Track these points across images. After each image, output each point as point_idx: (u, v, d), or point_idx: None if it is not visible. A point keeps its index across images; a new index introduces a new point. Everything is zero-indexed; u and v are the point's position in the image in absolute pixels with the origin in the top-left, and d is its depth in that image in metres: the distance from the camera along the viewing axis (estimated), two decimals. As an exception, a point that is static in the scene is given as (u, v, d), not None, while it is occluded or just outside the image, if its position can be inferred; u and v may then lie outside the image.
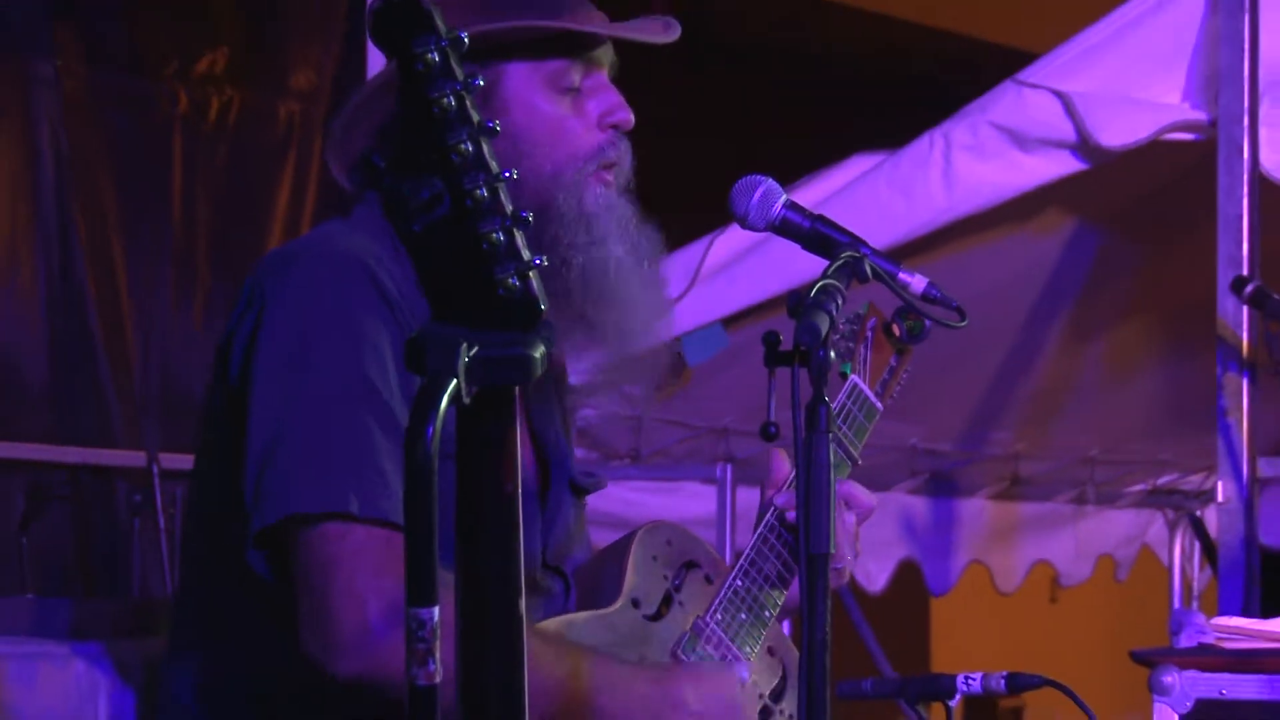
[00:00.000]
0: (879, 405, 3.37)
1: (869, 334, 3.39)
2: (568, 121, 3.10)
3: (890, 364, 3.41)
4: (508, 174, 2.13)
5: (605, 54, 3.15)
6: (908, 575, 7.34)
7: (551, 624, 3.04)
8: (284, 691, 3.00)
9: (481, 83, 2.12)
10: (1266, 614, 5.30)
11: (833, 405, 3.27)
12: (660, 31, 3.16)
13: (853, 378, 3.34)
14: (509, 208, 2.13)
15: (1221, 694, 4.89)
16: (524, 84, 3.08)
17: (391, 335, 2.94)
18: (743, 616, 3.20)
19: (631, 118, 3.13)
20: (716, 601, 3.19)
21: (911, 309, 3.14)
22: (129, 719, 3.28)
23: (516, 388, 2.15)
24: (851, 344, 3.38)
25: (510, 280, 2.12)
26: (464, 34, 2.74)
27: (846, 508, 3.21)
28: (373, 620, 2.84)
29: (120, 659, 3.30)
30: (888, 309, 3.34)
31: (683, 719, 3.03)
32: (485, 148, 2.13)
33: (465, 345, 2.09)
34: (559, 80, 3.10)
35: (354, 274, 2.95)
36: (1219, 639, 5.03)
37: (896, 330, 3.34)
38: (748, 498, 6.18)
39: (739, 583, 3.20)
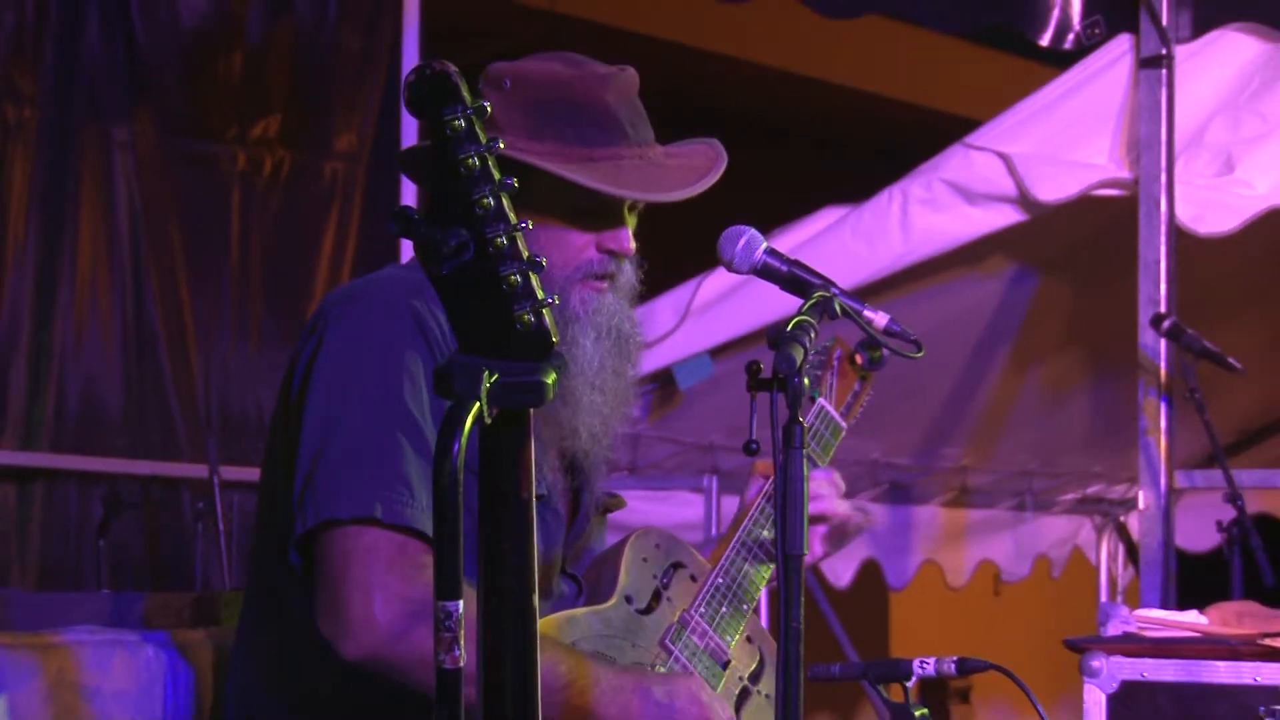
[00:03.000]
0: (844, 425, 3.38)
1: (835, 363, 3.40)
2: (573, 239, 3.06)
3: (854, 389, 3.42)
4: (524, 224, 2.13)
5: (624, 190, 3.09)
6: (869, 572, 7.33)
7: (551, 619, 3.03)
8: (322, 678, 3.00)
9: (502, 145, 2.12)
10: (1182, 607, 5.29)
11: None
12: (674, 187, 3.10)
13: (820, 401, 3.36)
14: (525, 253, 2.13)
15: (1143, 676, 4.87)
16: (546, 191, 3.02)
17: (428, 369, 2.94)
18: (724, 609, 3.20)
19: (631, 248, 3.10)
20: (700, 597, 3.19)
21: (874, 341, 3.14)
22: (188, 697, 3.26)
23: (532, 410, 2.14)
24: (819, 372, 3.39)
25: (527, 316, 2.12)
26: (505, 150, 2.77)
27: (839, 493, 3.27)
28: (378, 610, 2.84)
29: (183, 645, 3.29)
30: (851, 341, 3.34)
31: (649, 707, 3.02)
32: (505, 202, 2.14)
33: (487, 373, 2.10)
34: (578, 202, 3.05)
35: (401, 314, 2.95)
36: (1141, 628, 5.02)
37: (859, 360, 3.36)
38: (731, 505, 6.15)
39: (720, 580, 3.21)
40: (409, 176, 3.34)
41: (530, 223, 2.92)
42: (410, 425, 2.91)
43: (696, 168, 3.15)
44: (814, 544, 3.25)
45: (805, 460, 3.17)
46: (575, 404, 3.07)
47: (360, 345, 2.97)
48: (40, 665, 3.10)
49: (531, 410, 2.13)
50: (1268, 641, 4.84)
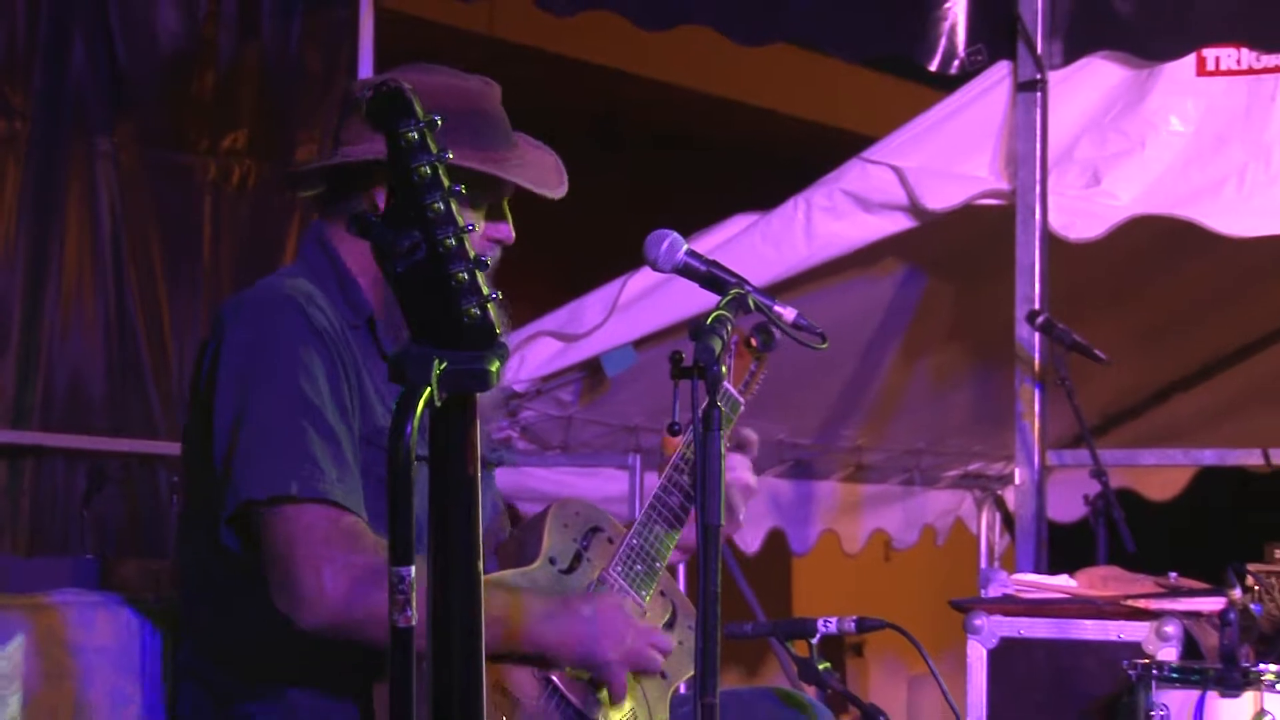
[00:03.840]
0: (742, 401, 3.40)
1: (732, 346, 3.41)
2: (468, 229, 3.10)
3: (750, 369, 3.43)
4: (470, 227, 2.13)
5: (509, 186, 3.17)
6: (775, 540, 7.34)
7: (486, 579, 3.04)
8: (259, 638, 3.00)
9: (451, 156, 2.12)
10: (1054, 572, 5.32)
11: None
12: (557, 185, 3.19)
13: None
14: (472, 253, 2.13)
15: (1020, 633, 4.90)
16: None
17: (321, 357, 2.98)
18: (638, 568, 3.21)
19: (512, 237, 3.17)
20: (617, 557, 3.21)
21: (767, 326, 3.17)
22: (159, 656, 3.25)
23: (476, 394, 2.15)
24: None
25: (473, 310, 2.13)
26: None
27: (743, 446, 3.32)
28: (328, 583, 2.86)
29: (158, 608, 3.28)
30: (746, 327, 3.35)
31: (579, 623, 3.04)
32: (454, 207, 2.14)
33: (437, 361, 2.10)
34: (479, 199, 3.11)
35: (290, 311, 2.96)
36: (1018, 591, 5.04)
37: (754, 342, 3.37)
38: (653, 480, 6.17)
39: (634, 541, 3.22)
40: (294, 189, 3.36)
41: (476, 225, 3.00)
42: (311, 410, 2.93)
43: (555, 167, 3.23)
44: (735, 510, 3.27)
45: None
46: None
47: (258, 343, 2.98)
48: (31, 623, 3.09)
49: (493, 387, 2.13)
50: (1130, 602, 4.87)
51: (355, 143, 3.10)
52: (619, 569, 3.20)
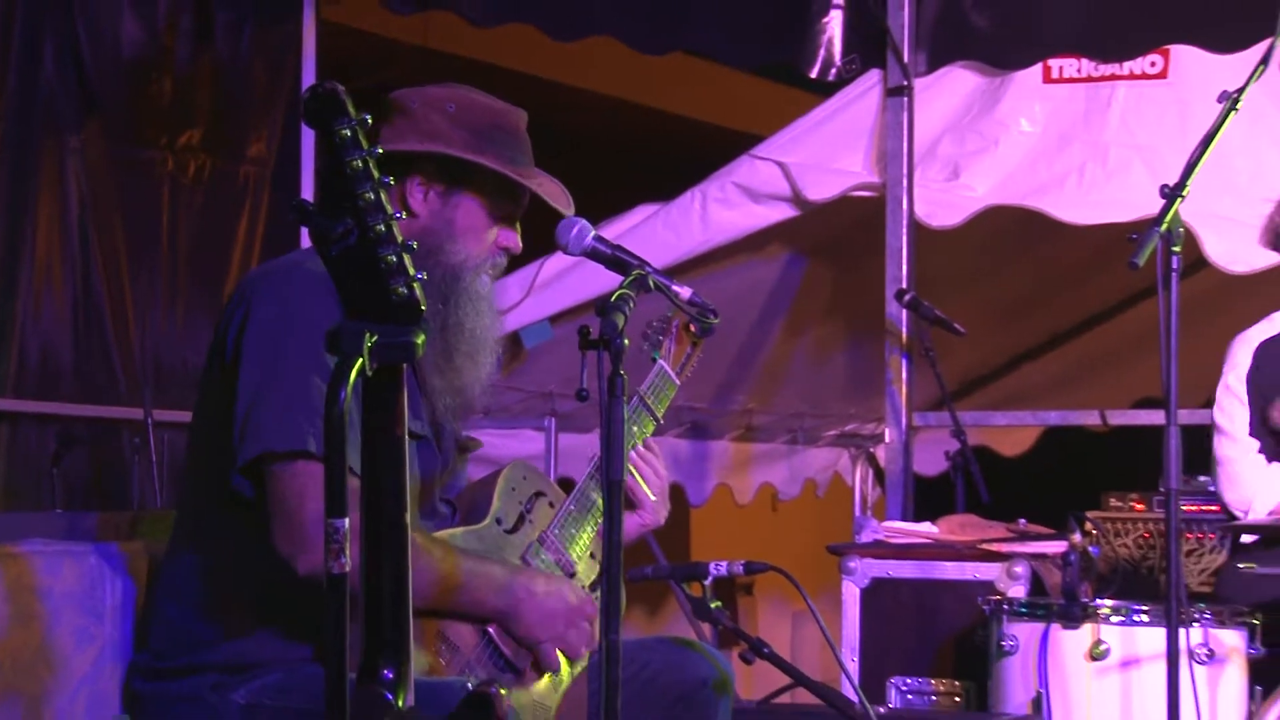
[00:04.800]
0: (677, 381, 3.39)
1: (674, 331, 3.40)
2: (484, 237, 3.13)
3: (687, 352, 3.42)
4: (399, 215, 2.13)
5: (525, 199, 3.18)
6: (675, 493, 7.30)
7: (441, 534, 3.04)
8: (247, 575, 2.98)
9: (391, 182, 2.12)
10: (918, 519, 5.35)
11: (644, 382, 3.32)
12: (567, 206, 3.19)
13: (660, 362, 3.37)
14: (400, 239, 2.13)
15: (889, 574, 4.92)
16: (474, 205, 3.11)
17: None
18: (573, 531, 3.20)
19: (519, 248, 3.18)
20: (555, 520, 3.20)
21: (682, 309, 3.17)
22: (128, 598, 3.21)
23: (406, 368, 2.15)
24: (661, 338, 3.40)
25: (400, 289, 2.11)
26: (450, 151, 2.97)
27: (645, 463, 3.30)
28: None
29: (121, 554, 3.24)
30: (687, 316, 3.35)
31: (530, 600, 3.03)
32: (383, 196, 2.13)
33: (368, 335, 2.10)
34: (493, 212, 3.13)
35: (312, 285, 2.91)
36: (887, 537, 5.07)
37: (693, 329, 3.36)
38: (566, 441, 6.17)
39: (571, 507, 3.21)
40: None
41: (449, 221, 2.99)
42: (327, 373, 2.87)
43: (565, 192, 3.22)
44: (644, 493, 3.29)
45: (640, 410, 3.22)
46: (476, 366, 3.10)
47: (285, 311, 2.95)
48: (2, 571, 3.04)
49: (417, 357, 2.12)
50: (984, 546, 4.90)
51: (389, 141, 3.08)
52: (556, 531, 3.19)
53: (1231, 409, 4.39)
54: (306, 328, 2.89)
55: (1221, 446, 4.38)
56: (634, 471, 3.25)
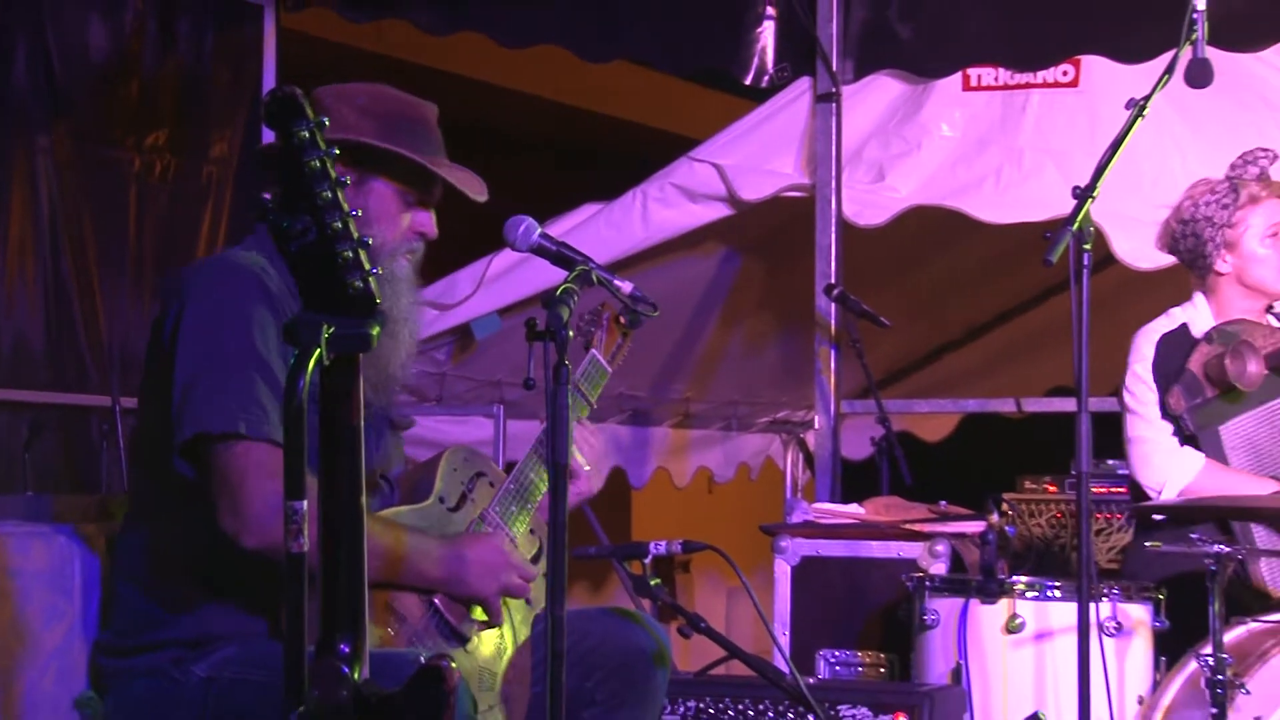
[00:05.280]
0: (609, 369, 3.40)
1: (605, 322, 3.41)
2: (397, 222, 3.10)
3: (618, 342, 3.42)
4: (355, 212, 2.12)
5: (437, 187, 3.15)
6: (617, 477, 7.34)
7: (385, 513, 3.04)
8: (196, 552, 2.96)
9: (347, 182, 2.12)
10: (846, 501, 5.36)
11: (578, 370, 3.31)
12: (479, 191, 3.18)
13: (593, 351, 3.37)
14: (357, 235, 2.13)
15: (818, 553, 4.93)
16: (386, 189, 3.09)
17: (273, 318, 2.94)
18: (513, 508, 3.20)
19: (435, 233, 3.16)
20: (496, 498, 3.20)
21: (634, 306, 3.18)
22: (95, 576, 3.19)
23: (360, 355, 2.13)
24: (593, 329, 3.40)
25: (357, 283, 2.11)
26: (359, 138, 2.84)
27: (584, 442, 3.29)
28: (271, 510, 2.82)
29: (88, 535, 3.22)
30: (618, 306, 3.35)
31: (467, 565, 3.03)
32: (340, 195, 2.13)
33: (326, 326, 2.09)
34: (405, 197, 3.11)
35: (245, 277, 2.93)
36: (816, 517, 5.08)
37: (623, 320, 3.37)
38: (514, 428, 6.16)
39: (511, 486, 3.21)
40: (262, 168, 3.35)
41: (362, 209, 2.96)
42: (261, 362, 2.90)
43: (478, 179, 3.20)
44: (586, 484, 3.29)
45: (575, 397, 3.22)
46: (396, 343, 3.08)
47: (217, 302, 2.94)
48: (-25, 551, 3.03)
49: (373, 348, 2.12)
50: (907, 526, 4.92)
51: None
52: (497, 509, 3.19)
53: (1142, 393, 4.42)
54: (237, 317, 2.90)
55: (1135, 427, 4.40)
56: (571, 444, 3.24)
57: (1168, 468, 4.33)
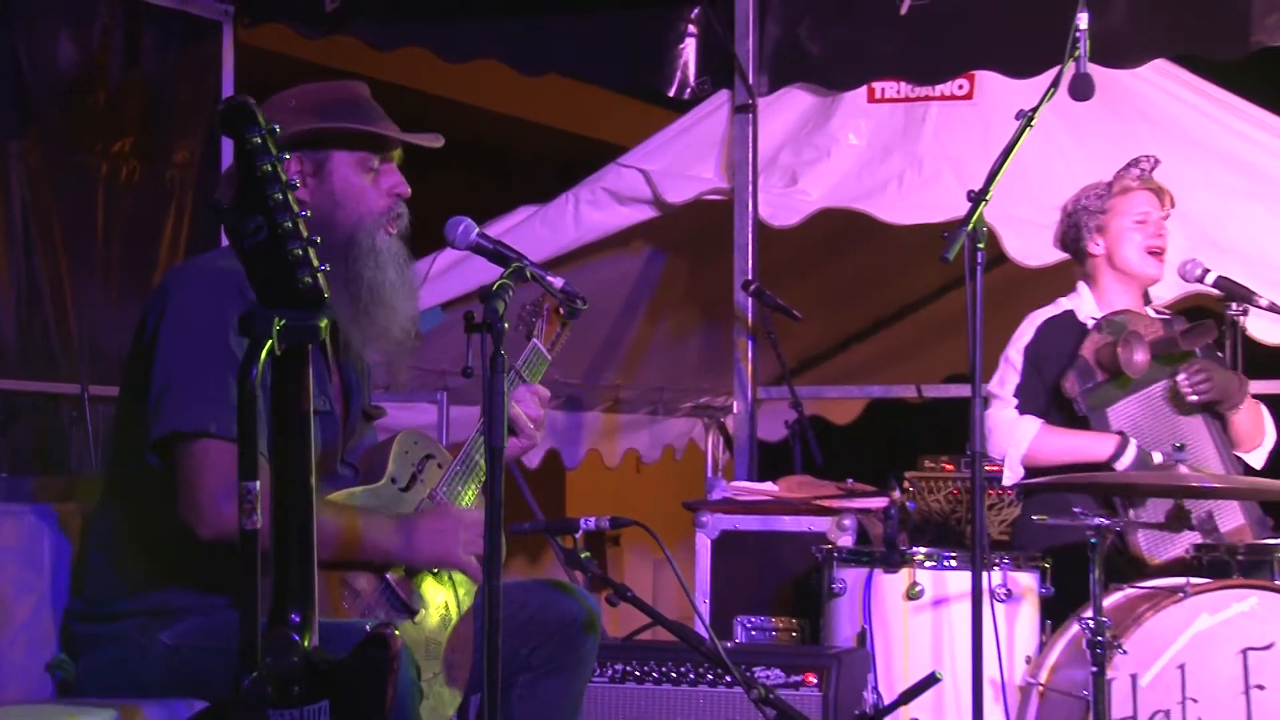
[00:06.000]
0: (549, 357, 3.37)
1: (545, 313, 3.39)
2: (367, 190, 3.06)
3: (558, 331, 3.41)
4: (304, 213, 2.11)
5: (396, 150, 3.11)
6: (552, 458, 7.32)
7: (339, 495, 3.02)
8: (163, 533, 2.93)
9: (289, 157, 2.10)
10: (762, 479, 5.37)
11: (520, 357, 3.30)
12: (433, 140, 3.14)
13: (534, 340, 3.35)
14: (306, 234, 2.12)
15: (736, 527, 4.94)
16: (343, 164, 3.04)
17: None
18: (459, 488, 3.19)
19: (408, 190, 3.10)
20: (444, 479, 3.18)
21: (572, 299, 3.17)
22: (64, 552, 3.16)
23: (311, 346, 2.13)
24: (535, 319, 3.38)
25: (306, 279, 2.10)
26: (301, 127, 2.74)
27: (534, 395, 3.24)
28: (223, 505, 2.81)
29: (58, 514, 3.18)
30: (558, 300, 3.34)
31: (418, 534, 3.01)
32: (290, 197, 2.11)
33: (277, 319, 2.08)
34: (365, 164, 3.06)
35: (224, 283, 2.87)
36: (735, 494, 5.09)
37: (561, 311, 3.35)
38: (456, 412, 6.13)
39: (458, 467, 3.19)
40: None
41: (329, 193, 2.94)
42: (233, 364, 2.84)
43: (431, 134, 3.15)
44: (526, 425, 3.23)
45: (516, 383, 3.20)
46: (391, 310, 3.04)
47: (197, 305, 2.90)
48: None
49: (321, 339, 2.10)
50: (818, 502, 4.93)
51: None
52: (444, 488, 3.17)
53: (1004, 375, 4.47)
54: (214, 322, 2.86)
55: (990, 408, 4.44)
56: (516, 406, 3.22)
57: (1008, 436, 4.37)
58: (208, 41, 5.85)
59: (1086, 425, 4.37)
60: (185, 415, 2.83)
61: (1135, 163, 4.52)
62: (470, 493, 3.19)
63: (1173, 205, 4.53)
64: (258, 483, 2.10)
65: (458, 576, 3.12)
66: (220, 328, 2.85)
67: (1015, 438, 4.35)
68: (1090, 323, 4.45)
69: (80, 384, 5.06)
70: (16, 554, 3.07)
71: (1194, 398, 4.32)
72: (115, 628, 2.98)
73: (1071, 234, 4.53)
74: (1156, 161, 4.52)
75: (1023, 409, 4.39)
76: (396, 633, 2.17)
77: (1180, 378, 4.34)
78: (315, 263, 2.12)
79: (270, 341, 2.10)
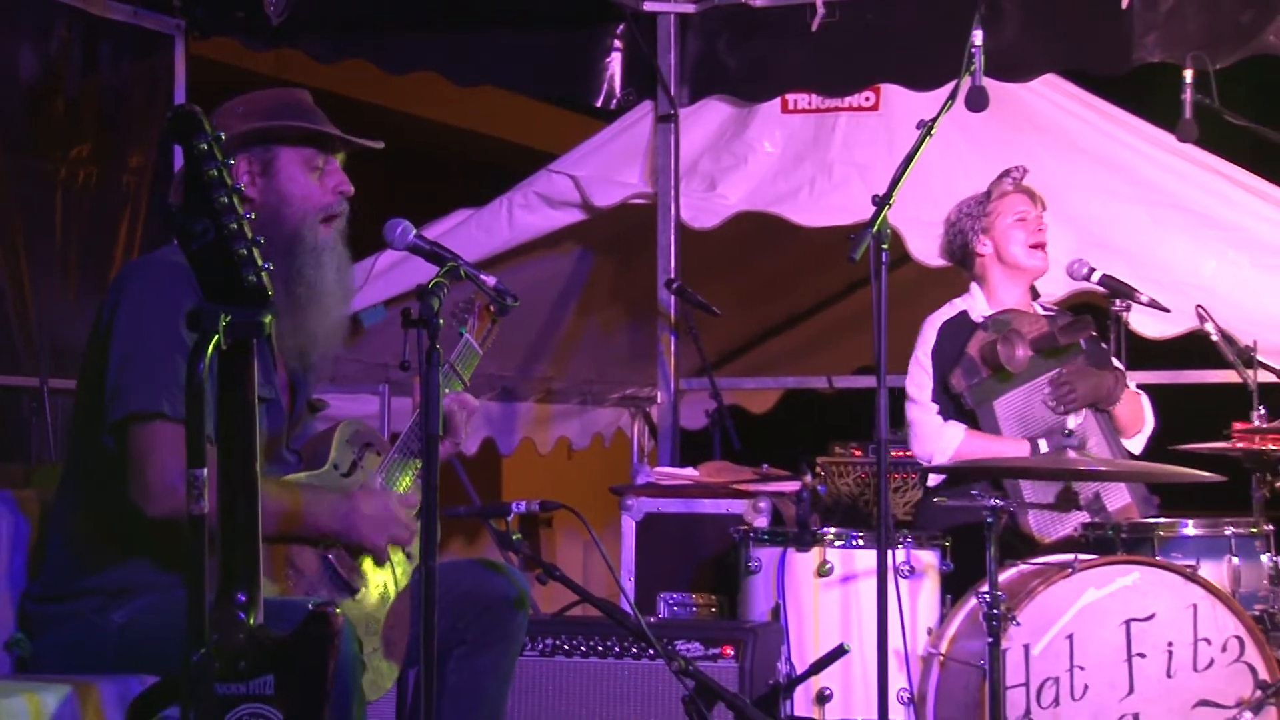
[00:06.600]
0: (480, 351, 3.36)
1: (477, 309, 3.38)
2: (312, 188, 3.02)
3: (489, 328, 3.39)
4: (249, 215, 2.10)
5: (340, 152, 3.08)
6: (488, 446, 7.29)
7: (285, 478, 2.99)
8: (117, 516, 2.89)
9: (233, 162, 2.09)
10: (684, 465, 5.38)
11: (453, 352, 3.29)
12: (373, 143, 3.11)
13: (466, 335, 3.34)
14: (250, 235, 2.11)
15: (660, 509, 4.95)
16: (289, 162, 3.01)
17: None
18: (397, 474, 3.17)
19: (351, 188, 3.07)
20: (382, 465, 3.17)
21: (489, 294, 3.15)
22: (21, 536, 3.11)
23: (256, 341, 2.12)
24: (467, 316, 3.37)
25: (251, 277, 2.09)
26: (250, 126, 2.74)
27: (462, 407, 3.23)
28: (170, 483, 2.77)
29: (19, 500, 3.14)
30: (489, 297, 3.32)
31: (358, 518, 2.99)
32: (235, 200, 2.11)
33: (224, 315, 2.08)
34: (310, 162, 3.03)
35: (178, 276, 2.81)
36: (658, 479, 5.09)
37: (492, 308, 3.34)
38: (397, 403, 6.10)
39: (395, 455, 3.18)
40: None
41: (276, 191, 2.92)
42: (184, 349, 2.80)
43: (369, 138, 3.12)
44: (459, 426, 3.22)
45: (450, 375, 3.19)
46: (323, 310, 3.01)
47: (150, 297, 2.87)
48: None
49: (266, 334, 2.09)
50: (736, 486, 4.95)
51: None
52: (382, 475, 3.15)
53: (919, 379, 4.50)
54: (166, 311, 2.83)
55: (911, 411, 4.48)
56: (447, 412, 3.21)
57: (934, 441, 4.41)
58: (161, 53, 5.79)
59: (974, 418, 4.41)
60: (140, 398, 2.80)
61: (1007, 172, 4.60)
62: (407, 479, 3.17)
63: (1044, 207, 4.59)
64: (205, 470, 2.09)
65: (395, 555, 3.11)
66: (174, 316, 2.82)
67: (940, 445, 4.39)
68: (981, 321, 4.49)
69: (40, 377, 5.00)
70: (-20, 537, 3.02)
71: (1061, 409, 4.36)
72: (70, 607, 2.94)
73: (958, 240, 4.58)
74: (1025, 170, 4.61)
75: (944, 414, 4.42)
76: (338, 610, 2.15)
77: (1046, 390, 4.39)
78: (259, 262, 2.11)
79: (217, 336, 2.09)
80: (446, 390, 3.21)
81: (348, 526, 2.98)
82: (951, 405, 4.44)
